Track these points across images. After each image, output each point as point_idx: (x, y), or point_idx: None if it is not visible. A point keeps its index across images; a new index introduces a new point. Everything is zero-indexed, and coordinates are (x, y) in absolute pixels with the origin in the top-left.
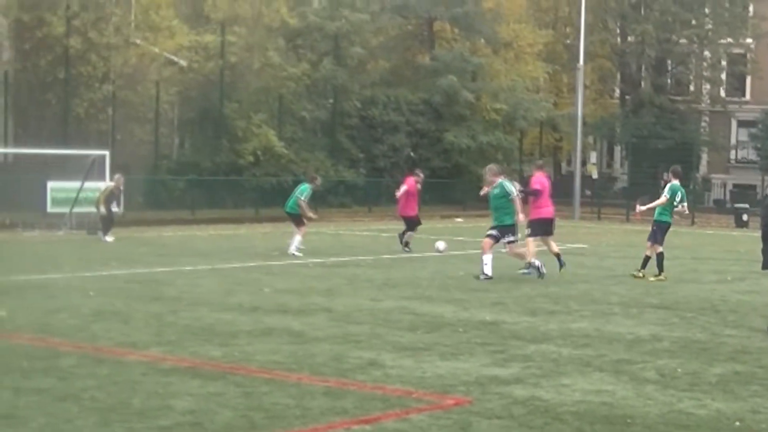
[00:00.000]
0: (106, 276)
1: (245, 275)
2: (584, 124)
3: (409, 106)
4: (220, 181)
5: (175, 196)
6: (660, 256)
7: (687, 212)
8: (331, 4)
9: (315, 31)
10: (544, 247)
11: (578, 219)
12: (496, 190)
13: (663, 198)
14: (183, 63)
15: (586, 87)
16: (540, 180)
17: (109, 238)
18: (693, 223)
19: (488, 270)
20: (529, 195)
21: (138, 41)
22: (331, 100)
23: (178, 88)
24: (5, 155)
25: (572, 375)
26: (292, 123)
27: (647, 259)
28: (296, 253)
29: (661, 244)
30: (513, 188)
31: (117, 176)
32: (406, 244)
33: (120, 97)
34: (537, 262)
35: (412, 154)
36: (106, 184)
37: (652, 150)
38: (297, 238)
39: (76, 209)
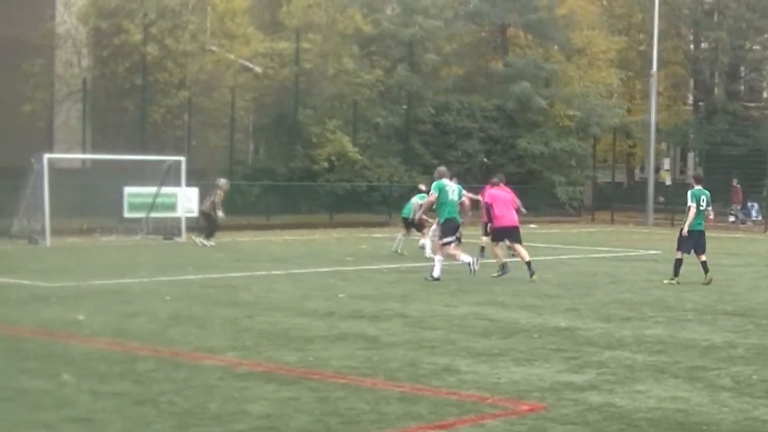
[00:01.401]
0: (182, 281)
1: (320, 280)
2: (657, 130)
3: (483, 113)
4: (294, 186)
5: (250, 201)
6: (678, 262)
7: (712, 216)
8: (405, 11)
9: (389, 38)
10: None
11: (651, 226)
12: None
13: (692, 210)
14: (258, 69)
15: (659, 93)
16: (490, 194)
17: (211, 243)
18: (767, 230)
19: (436, 272)
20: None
21: (214, 48)
22: (404, 107)
23: (253, 94)
24: (83, 161)
25: (647, 381)
26: (366, 129)
27: (704, 263)
28: (431, 255)
29: (685, 251)
30: (435, 187)
31: (224, 181)
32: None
33: (196, 104)
34: (470, 259)
35: (485, 160)
36: (182, 189)
37: (725, 157)
38: (426, 242)
39: (153, 214)
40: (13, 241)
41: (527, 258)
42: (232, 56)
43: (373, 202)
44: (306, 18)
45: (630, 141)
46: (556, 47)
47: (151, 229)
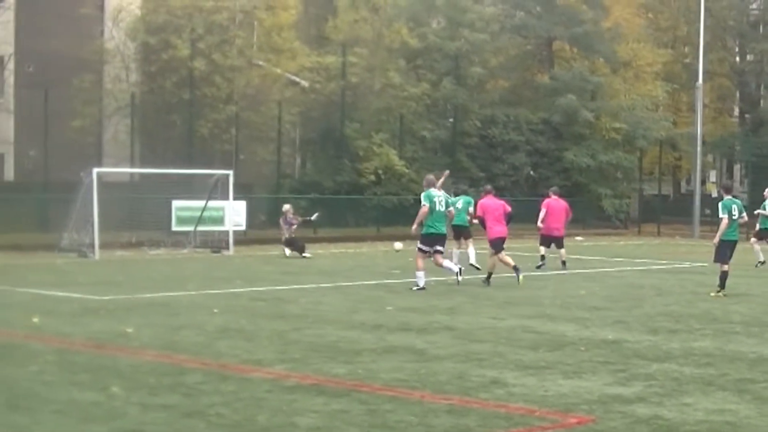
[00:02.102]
0: (230, 294)
1: (368, 293)
2: (704, 143)
3: (529, 126)
4: (341, 199)
5: (298, 215)
6: (724, 274)
7: (745, 219)
8: (451, 25)
9: (435, 52)
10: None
11: (698, 238)
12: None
13: (724, 221)
14: (305, 84)
15: (705, 106)
16: (482, 205)
17: (306, 255)
18: None
19: (420, 281)
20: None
21: (261, 63)
22: (451, 120)
23: (299, 108)
24: (132, 175)
25: (695, 394)
26: (412, 142)
27: (724, 275)
28: (476, 264)
29: (725, 262)
30: (425, 198)
31: (287, 206)
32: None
33: (243, 118)
34: (456, 268)
35: (532, 173)
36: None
37: None
38: (472, 250)
39: (200, 228)
40: (62, 254)
41: (513, 263)
42: (278, 70)
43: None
44: (352, 32)
45: (676, 153)
46: (601, 60)
47: (199, 243)
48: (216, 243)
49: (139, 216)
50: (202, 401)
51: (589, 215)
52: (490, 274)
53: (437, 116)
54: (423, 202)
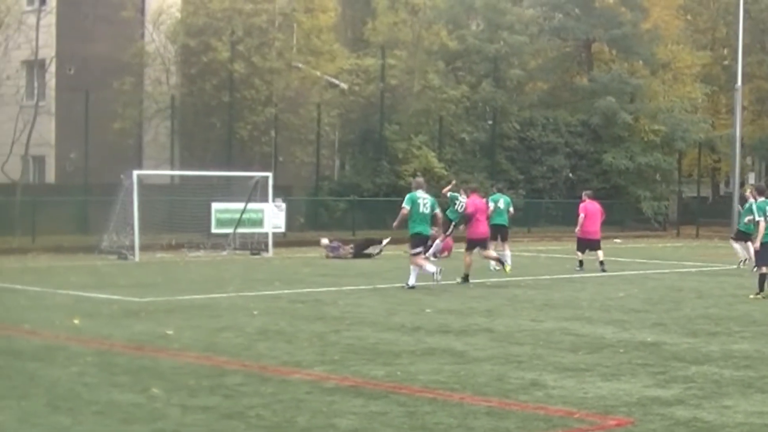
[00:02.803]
0: (269, 296)
1: (406, 295)
2: (742, 145)
3: (568, 128)
4: (380, 201)
5: (336, 216)
6: (763, 277)
7: None
8: (490, 27)
9: (474, 54)
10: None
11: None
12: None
13: (762, 224)
14: (344, 86)
15: (744, 108)
16: (473, 202)
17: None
18: None
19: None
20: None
21: (300, 65)
22: (490, 122)
23: (339, 110)
24: (172, 177)
25: (734, 396)
26: (451, 144)
27: (763, 277)
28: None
29: (766, 264)
30: (407, 200)
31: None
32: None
33: (282, 120)
34: (434, 269)
35: (570, 175)
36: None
37: None
38: (508, 253)
39: (240, 230)
40: (102, 256)
41: (495, 255)
42: (318, 73)
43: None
44: (391, 34)
45: (715, 155)
46: (640, 62)
47: (239, 245)
48: (255, 245)
49: (178, 218)
50: (242, 403)
51: (627, 217)
52: (499, 258)
53: (476, 118)
54: (404, 204)
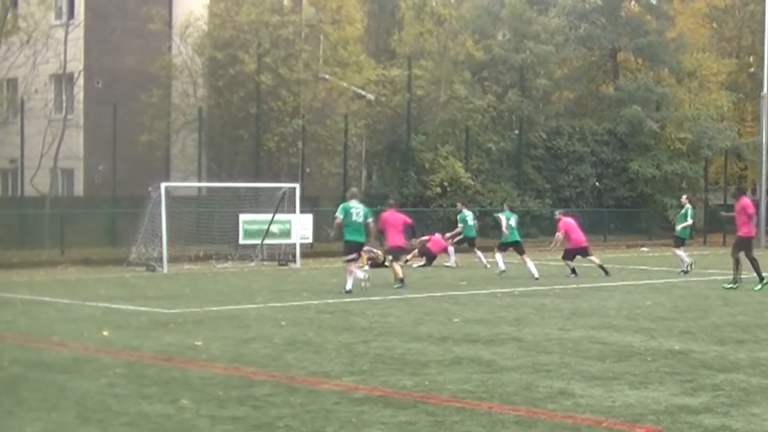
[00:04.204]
0: (297, 306)
1: (434, 305)
2: None
3: (594, 137)
4: (407, 212)
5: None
6: None
7: None
8: (516, 37)
9: (500, 64)
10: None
11: (764, 248)
12: None
13: None
14: (370, 96)
15: None
16: (383, 218)
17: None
18: None
19: (349, 285)
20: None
21: (326, 76)
22: (516, 131)
23: (365, 121)
24: (199, 189)
25: (762, 404)
26: (478, 154)
27: None
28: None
29: None
30: (340, 210)
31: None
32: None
33: (309, 131)
34: (363, 275)
35: (597, 184)
36: (296, 215)
37: None
38: (531, 264)
39: (268, 241)
40: (131, 268)
41: (401, 276)
42: (344, 84)
43: (486, 226)
44: (417, 45)
45: (741, 163)
46: (666, 70)
47: (266, 256)
48: (283, 256)
49: (206, 230)
50: (271, 413)
51: (654, 225)
52: (401, 279)
53: (503, 128)
54: (337, 214)
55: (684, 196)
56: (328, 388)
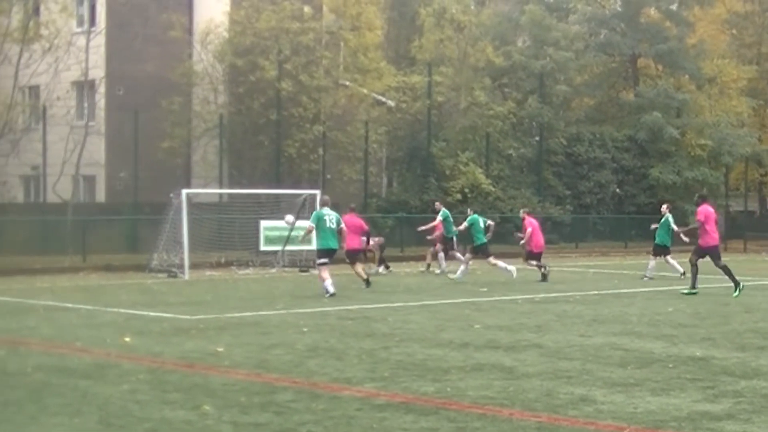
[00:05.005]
0: (319, 312)
1: (455, 311)
2: None
3: (614, 143)
4: (428, 218)
5: (384, 233)
6: None
7: None
8: (536, 43)
9: (520, 70)
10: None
11: None
12: None
13: None
14: (391, 103)
15: None
16: (345, 221)
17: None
18: None
19: (329, 288)
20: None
21: (347, 83)
22: (536, 138)
23: (386, 127)
24: (220, 195)
25: None
26: (498, 161)
27: None
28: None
29: None
30: (314, 218)
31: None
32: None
33: (330, 138)
34: (332, 289)
35: (617, 190)
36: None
37: None
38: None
39: (289, 247)
40: (152, 275)
41: (365, 276)
42: (365, 90)
43: (507, 233)
44: (437, 52)
45: (762, 170)
46: (686, 77)
47: (287, 262)
48: (304, 262)
49: (227, 236)
50: (293, 419)
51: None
52: (368, 280)
53: (523, 134)
54: (310, 222)
55: (664, 206)
56: (350, 394)
